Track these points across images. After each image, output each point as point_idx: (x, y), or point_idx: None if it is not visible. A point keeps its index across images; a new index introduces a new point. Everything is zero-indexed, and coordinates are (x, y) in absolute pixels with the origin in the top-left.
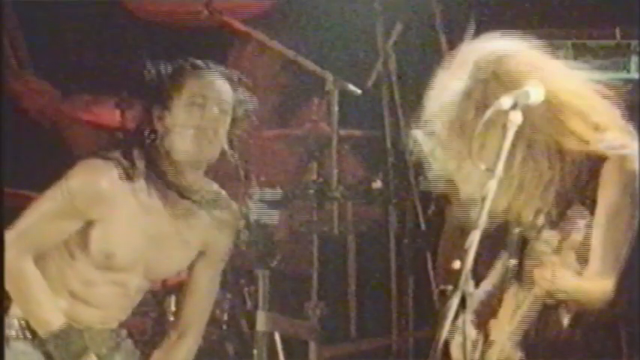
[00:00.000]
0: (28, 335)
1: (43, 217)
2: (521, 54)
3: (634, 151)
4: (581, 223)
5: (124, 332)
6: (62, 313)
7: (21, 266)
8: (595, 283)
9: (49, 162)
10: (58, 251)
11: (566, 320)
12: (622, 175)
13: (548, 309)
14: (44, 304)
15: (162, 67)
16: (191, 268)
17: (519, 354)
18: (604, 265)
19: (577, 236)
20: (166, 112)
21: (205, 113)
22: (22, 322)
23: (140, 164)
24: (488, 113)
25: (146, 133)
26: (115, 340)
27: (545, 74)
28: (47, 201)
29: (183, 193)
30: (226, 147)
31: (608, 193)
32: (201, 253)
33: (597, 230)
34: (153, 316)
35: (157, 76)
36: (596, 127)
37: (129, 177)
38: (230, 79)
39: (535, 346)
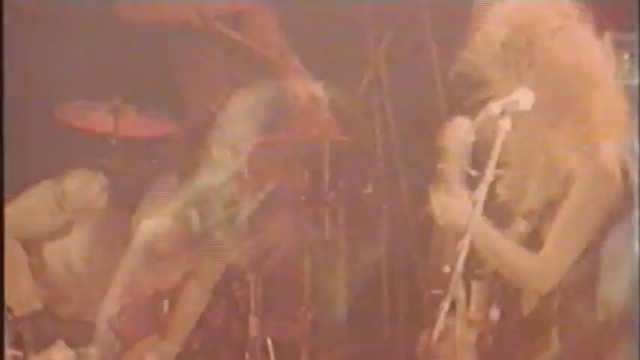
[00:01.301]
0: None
1: (29, 207)
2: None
3: (612, 159)
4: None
5: (104, 326)
6: (41, 301)
7: (9, 246)
8: (539, 265)
9: (50, 168)
10: (39, 245)
11: (526, 311)
12: (595, 179)
13: (509, 297)
14: (24, 286)
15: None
16: (184, 278)
17: (474, 336)
18: (555, 251)
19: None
20: None
21: None
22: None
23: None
24: (479, 119)
25: None
26: (93, 333)
27: None
28: (36, 195)
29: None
30: None
31: (579, 190)
32: (191, 271)
33: (559, 220)
34: (146, 319)
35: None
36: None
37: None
38: None
39: (492, 332)
